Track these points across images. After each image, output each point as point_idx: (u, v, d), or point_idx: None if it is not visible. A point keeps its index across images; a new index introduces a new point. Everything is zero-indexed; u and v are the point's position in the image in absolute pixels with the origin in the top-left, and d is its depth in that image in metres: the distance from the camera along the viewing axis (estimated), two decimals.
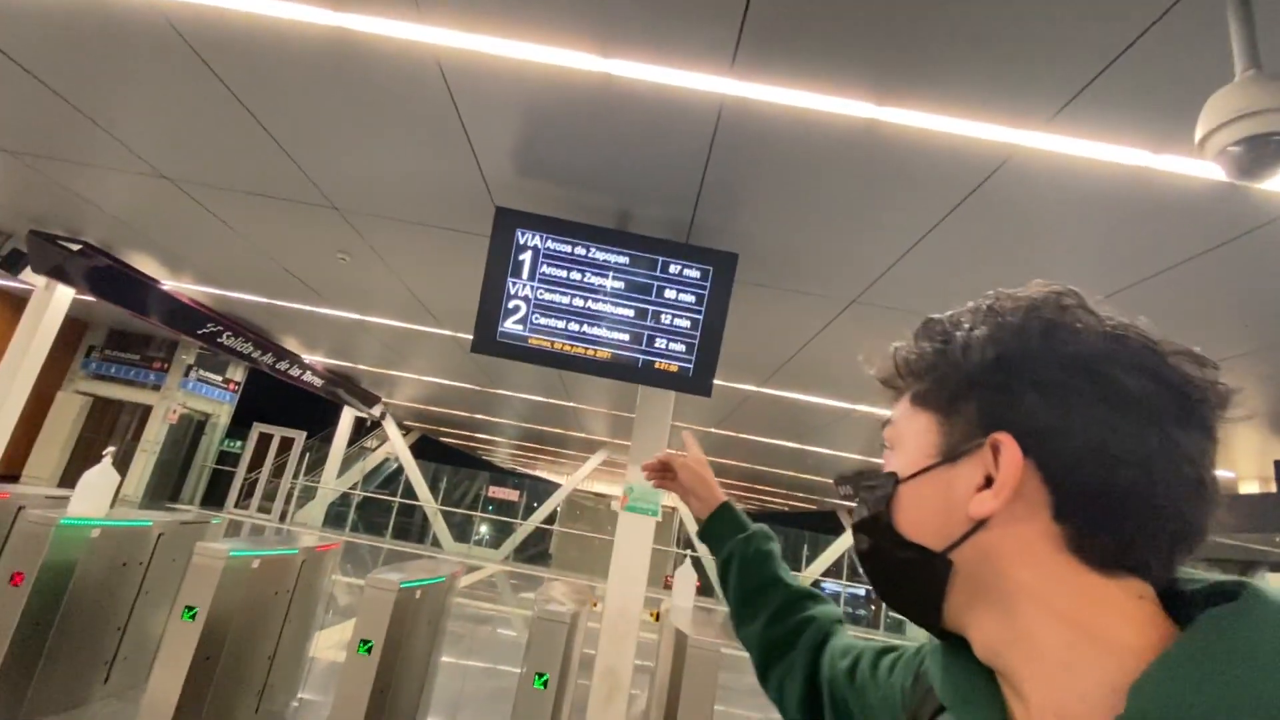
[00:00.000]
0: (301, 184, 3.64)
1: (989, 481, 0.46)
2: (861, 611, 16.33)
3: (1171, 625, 0.41)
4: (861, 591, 16.55)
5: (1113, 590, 0.42)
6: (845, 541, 14.45)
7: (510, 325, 3.30)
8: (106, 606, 3.15)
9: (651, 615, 3.67)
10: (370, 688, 2.47)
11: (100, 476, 3.11)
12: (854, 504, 0.56)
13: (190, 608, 2.61)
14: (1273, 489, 5.47)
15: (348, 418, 14.43)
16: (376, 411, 13.88)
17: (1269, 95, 1.21)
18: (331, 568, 3.91)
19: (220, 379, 12.69)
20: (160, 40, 2.52)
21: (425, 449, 18.21)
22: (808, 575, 14.56)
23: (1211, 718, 0.34)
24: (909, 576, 0.52)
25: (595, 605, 4.05)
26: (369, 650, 2.50)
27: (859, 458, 9.94)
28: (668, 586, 12.29)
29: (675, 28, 2.03)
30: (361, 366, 10.27)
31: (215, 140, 3.34)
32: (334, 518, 14.41)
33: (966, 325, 0.52)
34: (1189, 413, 0.43)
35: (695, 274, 3.28)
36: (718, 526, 0.98)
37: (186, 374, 11.99)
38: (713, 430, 9.55)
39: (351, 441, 15.05)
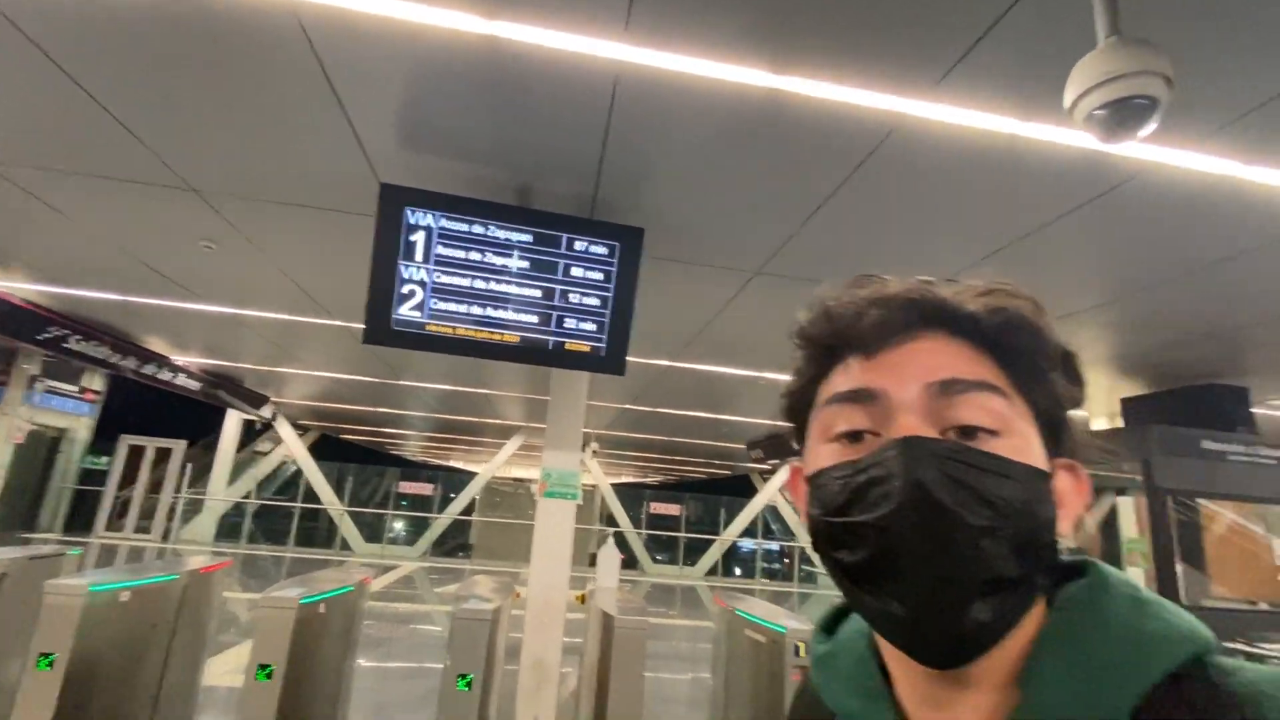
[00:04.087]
0: (150, 164, 3.19)
1: None
2: (776, 566, 17.23)
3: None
4: (775, 547, 17.45)
5: None
6: (760, 503, 15.06)
7: (406, 312, 3.08)
8: None
9: (578, 598, 3.63)
10: (274, 713, 2.26)
11: None
12: (944, 488, 0.41)
13: (45, 655, 2.27)
14: (1120, 424, 6.20)
15: (234, 421, 13.25)
16: (266, 413, 12.84)
17: (1129, 60, 1.28)
18: (221, 588, 3.57)
19: (75, 389, 11.21)
20: None
21: (326, 449, 17.11)
22: (727, 536, 15.11)
23: (1083, 684, 0.41)
24: (1032, 598, 0.44)
25: (518, 596, 3.96)
26: (269, 675, 2.28)
27: (768, 423, 10.34)
28: (593, 563, 12.35)
29: None
30: (244, 365, 9.41)
31: (40, 118, 2.85)
32: (228, 530, 13.28)
33: (1030, 306, 0.47)
34: None
35: (602, 250, 3.19)
36: None
37: (31, 386, 10.48)
38: (629, 407, 9.59)
39: (241, 446, 13.87)
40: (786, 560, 16.55)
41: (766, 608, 3.08)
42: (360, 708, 3.81)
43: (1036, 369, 0.46)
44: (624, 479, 25.14)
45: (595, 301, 3.22)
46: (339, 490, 14.17)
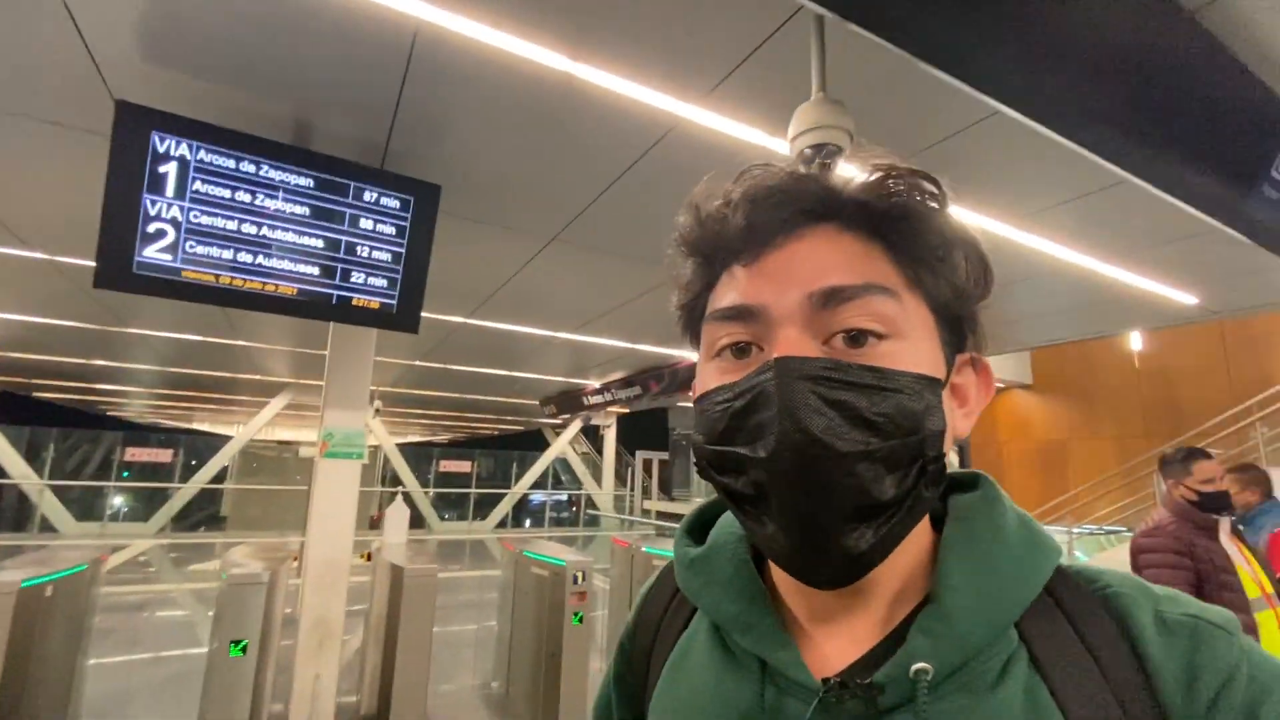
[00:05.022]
0: None
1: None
2: (565, 515, 18.13)
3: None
4: (564, 497, 18.30)
5: None
6: (551, 456, 15.58)
7: (154, 254, 2.69)
8: None
9: (363, 557, 3.58)
10: None
11: None
12: (824, 411, 0.39)
13: None
14: None
15: None
16: None
17: (826, 115, 1.72)
18: None
19: None
20: None
21: (11, 408, 13.56)
22: (517, 490, 15.44)
23: (986, 591, 0.42)
24: (920, 512, 0.43)
25: (296, 560, 3.78)
26: None
27: (561, 379, 10.74)
28: (374, 526, 11.77)
29: None
30: None
31: None
32: None
33: (926, 191, 0.44)
34: None
35: (394, 203, 3.10)
36: None
37: None
38: (418, 363, 9.22)
39: None
40: (574, 508, 17.49)
41: (551, 546, 3.40)
42: (95, 704, 3.35)
43: (932, 260, 0.44)
44: (411, 438, 23.99)
45: (386, 256, 3.14)
46: (34, 460, 11.41)
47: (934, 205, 0.44)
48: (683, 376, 8.31)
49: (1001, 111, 1.89)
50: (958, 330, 0.46)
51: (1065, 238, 3.88)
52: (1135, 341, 8.67)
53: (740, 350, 0.44)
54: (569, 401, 12.20)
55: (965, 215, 3.04)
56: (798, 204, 0.44)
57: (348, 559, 3.54)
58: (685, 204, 0.48)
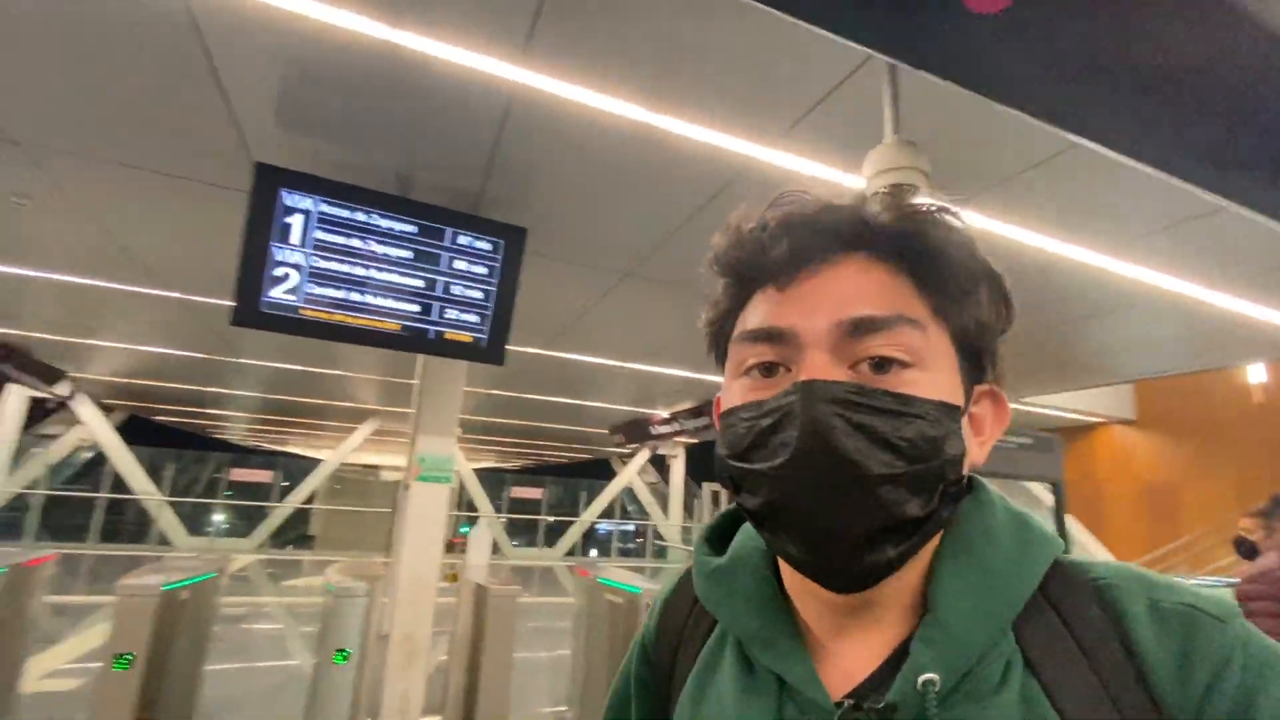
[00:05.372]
0: None
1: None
2: (631, 545, 18.09)
3: None
4: (631, 528, 18.30)
5: None
6: (618, 486, 15.67)
7: (278, 295, 3.02)
8: None
9: (449, 578, 3.77)
10: (133, 706, 2.21)
11: None
12: (850, 430, 0.40)
13: None
14: None
15: (17, 399, 11.21)
16: (63, 390, 11.04)
17: (901, 157, 1.77)
18: (40, 585, 3.25)
19: None
20: None
21: (137, 431, 15.04)
22: (586, 518, 15.59)
23: (981, 595, 0.43)
24: (936, 529, 0.44)
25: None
26: (128, 664, 2.22)
27: (630, 409, 10.88)
28: (450, 549, 12.19)
29: (470, 13, 2.08)
30: (34, 335, 8.07)
31: None
32: (2, 527, 11.27)
33: (956, 227, 0.46)
34: None
35: (486, 246, 3.35)
36: None
37: None
38: (495, 392, 9.61)
39: (27, 427, 11.78)
40: (640, 539, 17.45)
41: (624, 574, 3.47)
42: (207, 708, 3.65)
43: (959, 294, 0.45)
44: (485, 464, 24.74)
45: (478, 294, 3.38)
46: (155, 477, 12.58)
47: (961, 241, 0.45)
48: None
49: (1084, 145, 1.88)
50: (978, 362, 0.47)
51: (1165, 265, 3.68)
52: (1256, 373, 7.92)
53: (768, 369, 0.45)
54: (637, 431, 12.30)
55: (1053, 244, 2.94)
56: (833, 232, 0.45)
57: (435, 577, 3.73)
58: (724, 225, 0.49)
